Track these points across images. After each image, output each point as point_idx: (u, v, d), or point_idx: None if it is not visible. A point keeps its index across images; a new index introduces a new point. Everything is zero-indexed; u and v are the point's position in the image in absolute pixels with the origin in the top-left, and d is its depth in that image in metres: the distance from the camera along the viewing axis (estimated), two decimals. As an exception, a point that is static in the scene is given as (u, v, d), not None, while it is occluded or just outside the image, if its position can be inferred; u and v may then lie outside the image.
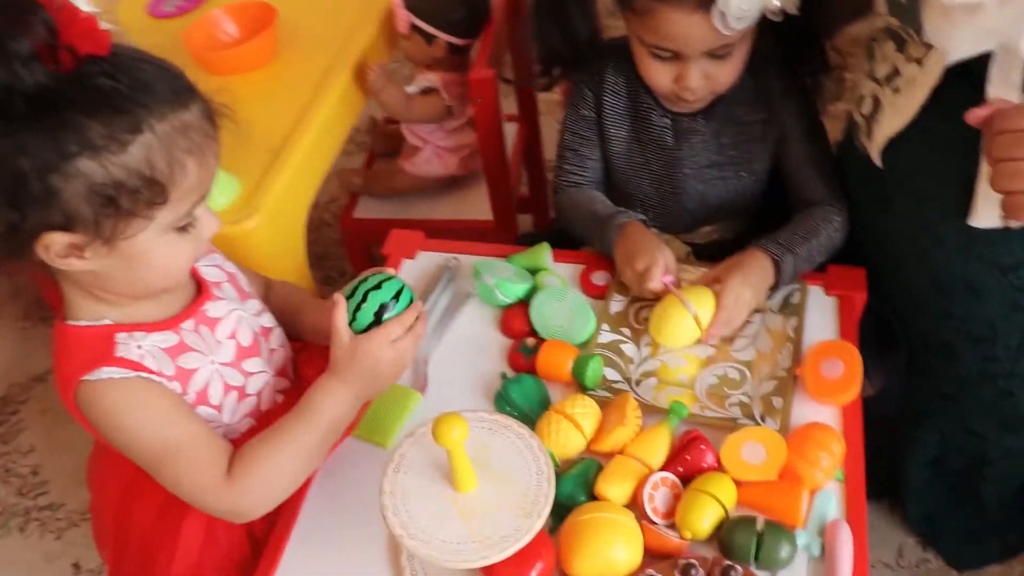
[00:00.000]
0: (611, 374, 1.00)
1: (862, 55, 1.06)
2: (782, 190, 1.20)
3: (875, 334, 1.11)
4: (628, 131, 1.18)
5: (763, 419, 0.93)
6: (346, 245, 1.73)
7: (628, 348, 1.04)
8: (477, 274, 1.09)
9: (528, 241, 1.37)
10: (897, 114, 0.98)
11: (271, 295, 1.04)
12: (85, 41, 0.70)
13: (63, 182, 0.70)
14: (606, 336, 1.05)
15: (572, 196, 1.20)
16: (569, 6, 1.10)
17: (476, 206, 1.70)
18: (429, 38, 1.51)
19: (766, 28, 1.02)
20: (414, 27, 1.50)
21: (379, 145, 1.82)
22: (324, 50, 1.48)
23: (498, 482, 0.75)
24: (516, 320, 1.07)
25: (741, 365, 1.01)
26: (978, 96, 0.85)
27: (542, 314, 1.05)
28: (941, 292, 1.06)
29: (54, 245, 0.74)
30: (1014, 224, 0.91)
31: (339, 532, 0.89)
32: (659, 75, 1.07)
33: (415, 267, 1.17)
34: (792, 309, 1.04)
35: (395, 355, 0.86)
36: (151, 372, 0.83)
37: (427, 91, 1.57)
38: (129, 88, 0.72)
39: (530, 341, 1.03)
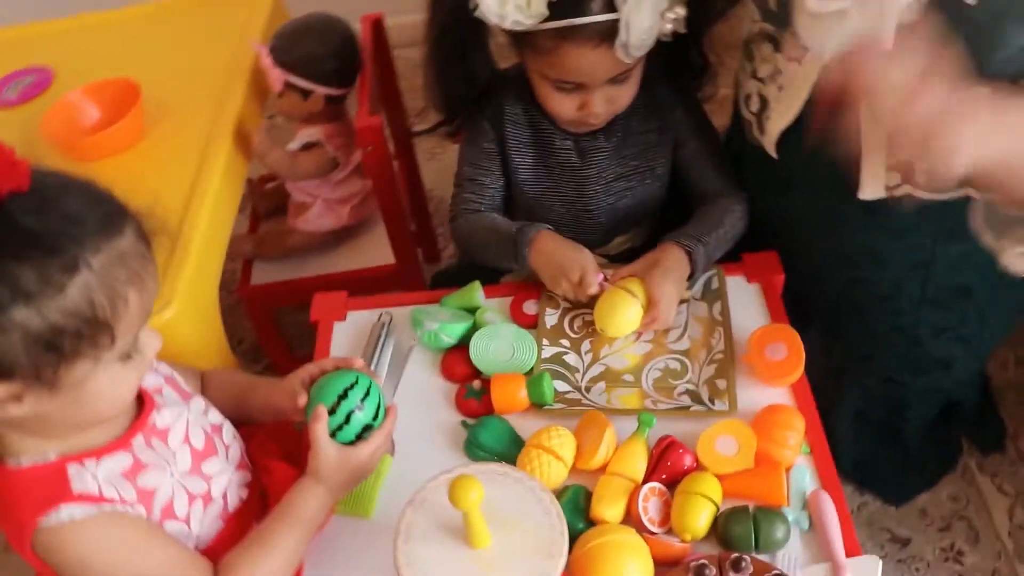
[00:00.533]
0: (560, 386, 1.03)
1: (741, 56, 1.13)
2: (681, 192, 1.26)
3: (789, 309, 1.18)
4: (533, 158, 1.20)
5: (712, 402, 0.99)
6: (249, 313, 1.68)
7: (570, 358, 1.08)
8: (418, 323, 1.09)
9: (444, 280, 1.38)
10: (785, 110, 1.05)
11: (208, 387, 1.01)
12: (5, 179, 0.65)
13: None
14: (548, 351, 1.08)
15: (470, 221, 1.20)
16: (468, 50, 1.11)
17: (373, 252, 1.69)
18: (305, 93, 1.49)
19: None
20: (288, 84, 1.47)
21: (261, 205, 1.78)
22: (196, 121, 1.43)
23: (511, 531, 0.76)
24: (457, 364, 1.08)
25: (680, 355, 1.06)
26: None
27: (484, 353, 1.06)
28: (847, 262, 1.14)
29: None
30: (900, 190, 1.01)
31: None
32: (563, 105, 1.10)
33: (348, 328, 1.15)
34: (714, 294, 1.10)
35: (375, 459, 0.89)
36: (113, 502, 0.77)
37: (309, 146, 1.54)
38: (59, 224, 0.67)
39: (476, 384, 1.04)
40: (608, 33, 0.98)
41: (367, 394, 0.88)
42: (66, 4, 2.01)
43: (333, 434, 0.87)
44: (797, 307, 1.19)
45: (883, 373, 1.29)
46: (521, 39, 1.06)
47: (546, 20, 0.99)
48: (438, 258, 2.00)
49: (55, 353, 0.68)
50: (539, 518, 0.77)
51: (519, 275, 1.19)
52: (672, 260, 1.09)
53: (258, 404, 0.99)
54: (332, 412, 0.86)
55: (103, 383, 0.73)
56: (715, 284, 1.12)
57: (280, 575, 0.84)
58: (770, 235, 1.18)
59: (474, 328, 1.09)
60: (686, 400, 1.00)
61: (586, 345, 1.09)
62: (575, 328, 1.11)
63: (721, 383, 1.00)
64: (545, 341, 1.08)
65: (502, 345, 1.07)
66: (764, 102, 1.09)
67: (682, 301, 1.10)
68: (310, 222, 1.62)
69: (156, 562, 0.79)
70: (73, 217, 0.68)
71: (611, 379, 1.05)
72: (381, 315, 1.14)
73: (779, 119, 1.06)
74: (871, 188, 1.02)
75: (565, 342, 1.09)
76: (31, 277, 0.65)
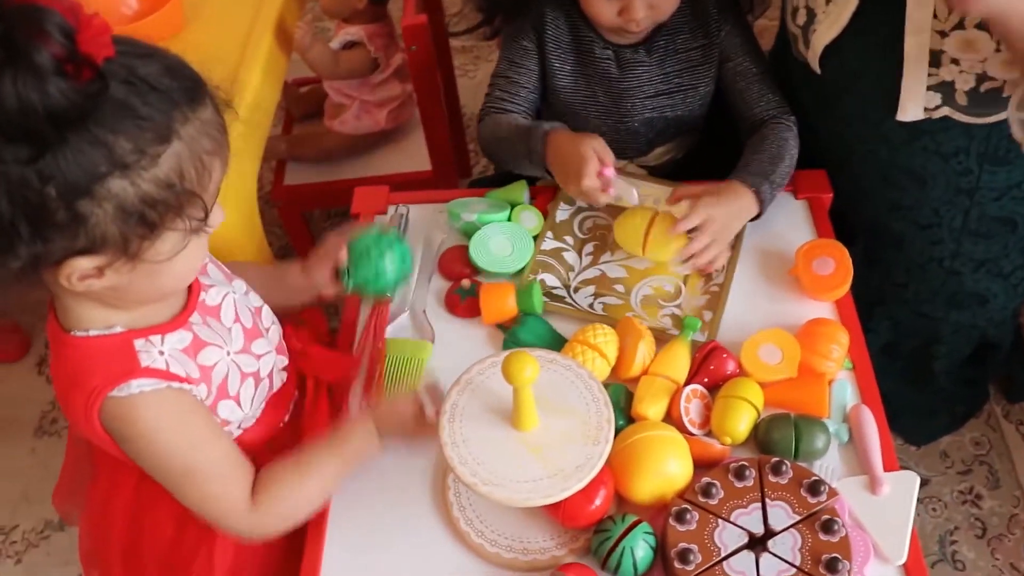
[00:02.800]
0: (550, 280, 1.03)
1: None
2: (726, 108, 1.23)
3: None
4: (572, 65, 1.17)
5: (692, 330, 0.96)
6: (281, 215, 1.67)
7: (569, 255, 1.07)
8: (455, 215, 1.09)
9: (479, 187, 1.36)
10: (832, 23, 1.03)
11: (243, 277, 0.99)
12: (100, 46, 0.61)
13: (92, 207, 0.64)
14: (548, 244, 1.07)
15: (495, 120, 1.16)
16: None
17: (409, 158, 1.68)
18: (349, -10, 1.46)
19: None
20: (332, -21, 1.44)
21: (295, 108, 1.76)
22: (237, 15, 1.39)
23: (559, 415, 0.76)
24: (454, 262, 1.07)
25: (678, 279, 1.04)
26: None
27: (483, 248, 1.05)
28: (889, 184, 1.12)
29: (76, 271, 0.67)
30: (939, 112, 0.99)
31: (379, 495, 0.87)
32: (604, 9, 1.07)
33: (386, 222, 1.14)
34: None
35: (417, 418, 0.85)
36: (180, 379, 0.77)
37: (350, 45, 1.52)
38: (148, 94, 0.65)
39: (466, 283, 1.03)
40: None
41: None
42: None
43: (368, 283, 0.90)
44: (841, 225, 1.17)
45: (915, 305, 1.27)
46: None
47: None
48: (469, 173, 1.99)
49: (145, 225, 0.67)
50: (587, 405, 0.77)
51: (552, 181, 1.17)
52: (732, 195, 1.03)
53: (294, 284, 0.98)
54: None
55: (179, 257, 0.71)
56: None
57: (316, 496, 0.85)
58: (815, 153, 1.16)
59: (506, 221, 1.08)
60: (667, 323, 0.99)
61: (588, 248, 1.08)
62: (584, 229, 1.10)
63: (708, 314, 0.98)
64: (549, 234, 1.08)
65: (502, 243, 1.06)
66: (811, 15, 1.06)
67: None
68: (347, 123, 1.61)
69: (210, 451, 0.80)
70: (161, 86, 0.66)
71: (602, 286, 1.03)
72: (398, 208, 1.13)
73: (825, 32, 1.04)
74: (910, 110, 1.00)
75: (569, 239, 1.08)
76: (126, 147, 0.64)
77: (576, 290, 1.03)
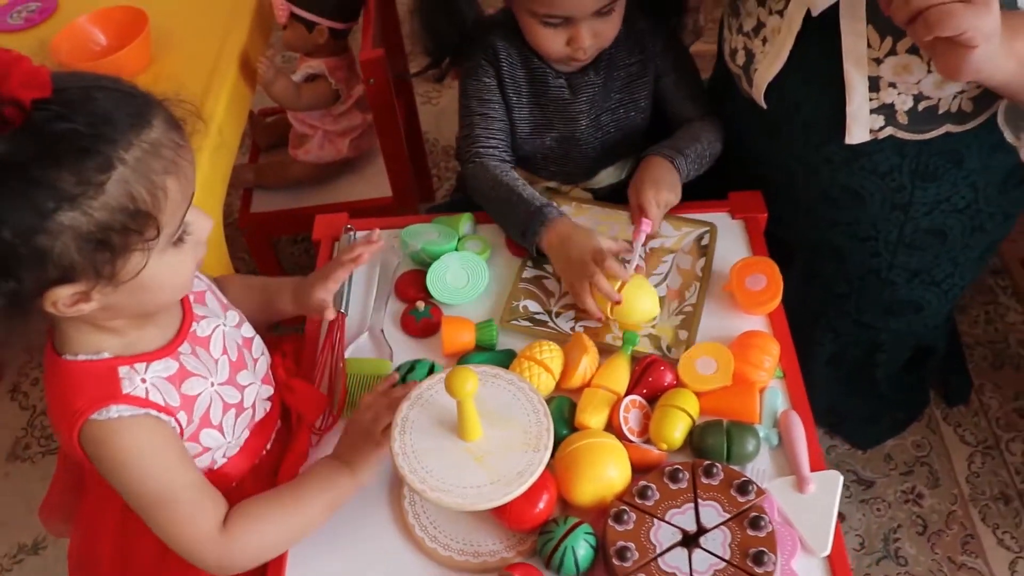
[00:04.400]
0: (532, 306, 1.08)
1: (725, 12, 1.18)
2: (663, 123, 1.30)
3: (771, 251, 1.23)
4: (528, 96, 1.24)
5: (669, 350, 1.03)
6: (248, 242, 1.72)
7: (550, 283, 1.12)
8: (404, 243, 1.14)
9: (437, 212, 1.41)
10: (771, 62, 1.10)
11: (227, 291, 1.02)
12: (28, 88, 0.65)
13: (50, 240, 0.68)
14: (530, 272, 1.12)
15: (490, 170, 1.20)
16: None
17: (371, 185, 1.74)
18: (310, 26, 1.52)
19: None
20: (294, 16, 1.50)
21: (261, 138, 1.81)
22: (202, 50, 1.46)
23: (500, 425, 0.81)
24: (409, 287, 1.12)
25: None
26: (832, 31, 1.00)
27: (439, 279, 1.10)
28: (829, 202, 1.19)
29: (60, 299, 0.72)
30: (884, 133, 1.06)
31: (345, 508, 0.92)
32: (552, 41, 1.13)
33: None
34: (702, 251, 1.14)
35: (376, 424, 0.89)
36: (158, 408, 0.82)
37: (312, 78, 1.58)
38: (87, 125, 0.68)
39: (420, 305, 1.08)
40: None
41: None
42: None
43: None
44: (779, 249, 1.25)
45: (857, 315, 1.34)
46: None
47: None
48: (432, 197, 2.05)
49: (107, 249, 0.70)
50: (527, 415, 0.82)
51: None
52: (658, 171, 1.14)
53: (285, 304, 1.04)
54: None
55: (163, 270, 0.76)
56: (706, 240, 1.15)
57: (292, 540, 0.87)
58: (756, 178, 1.23)
59: (456, 252, 1.14)
60: (645, 343, 1.04)
61: None
62: None
63: (683, 334, 1.04)
64: (530, 263, 1.13)
65: (457, 273, 1.11)
66: (750, 55, 1.13)
67: (670, 251, 1.13)
68: (310, 153, 1.66)
69: (182, 479, 0.83)
70: (101, 116, 0.69)
71: (581, 311, 1.08)
72: (347, 227, 1.19)
73: (766, 71, 1.11)
74: (857, 132, 1.07)
75: (549, 268, 1.13)
76: (70, 180, 0.67)
77: (557, 315, 1.08)
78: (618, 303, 1.02)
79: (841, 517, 1.41)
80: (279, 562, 0.88)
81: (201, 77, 1.40)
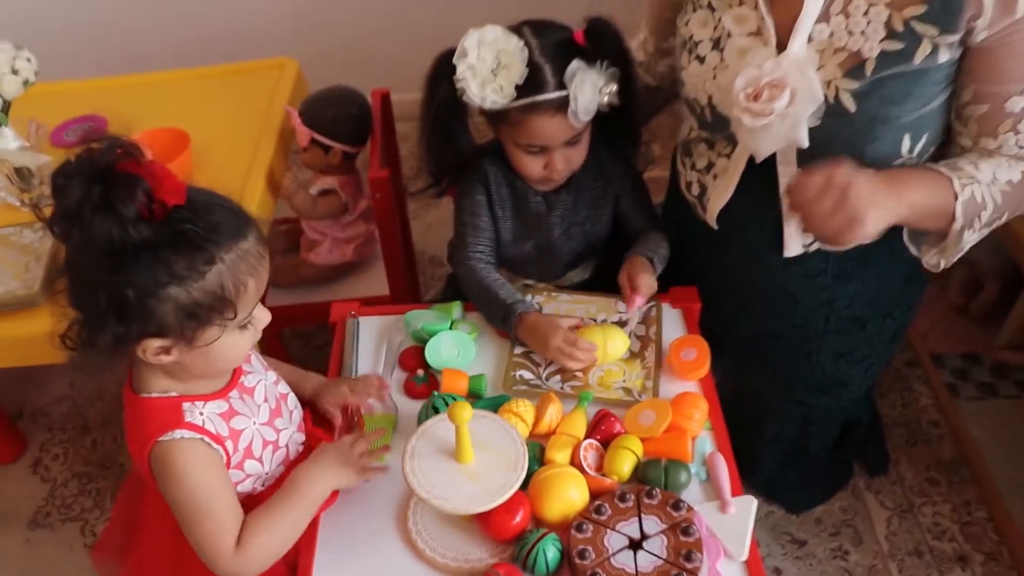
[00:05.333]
0: (526, 374, 1.34)
1: (680, 151, 1.48)
2: (620, 233, 1.58)
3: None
4: (512, 211, 1.51)
5: (640, 395, 1.29)
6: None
7: (537, 356, 1.37)
8: (407, 322, 1.40)
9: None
10: (720, 194, 1.38)
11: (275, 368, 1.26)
12: (171, 196, 0.91)
13: (157, 304, 0.92)
14: (519, 349, 1.38)
15: (476, 273, 1.45)
16: (454, 128, 1.41)
17: (371, 285, 2.00)
18: (326, 149, 1.82)
19: (596, 118, 1.40)
20: (313, 140, 1.80)
21: (276, 242, 2.08)
22: (235, 166, 1.74)
23: (488, 451, 1.06)
24: (411, 358, 1.37)
25: (620, 363, 1.36)
26: (772, 169, 1.28)
27: (436, 351, 1.36)
28: (770, 300, 1.46)
29: (150, 348, 0.97)
30: (813, 247, 1.35)
31: (360, 521, 1.15)
32: (532, 166, 1.42)
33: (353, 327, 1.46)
34: (652, 320, 1.42)
35: (354, 449, 1.12)
36: (211, 435, 1.04)
37: (325, 192, 1.86)
38: (204, 230, 0.93)
39: (420, 372, 1.34)
40: (561, 105, 1.30)
41: None
42: (118, 64, 2.36)
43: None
44: (714, 342, 1.51)
45: (790, 393, 1.60)
46: (496, 116, 1.37)
47: (515, 99, 1.31)
48: (420, 300, 2.31)
49: (194, 320, 0.95)
50: (509, 445, 1.07)
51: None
52: (643, 266, 1.42)
53: (305, 394, 1.28)
54: None
55: (227, 345, 1.00)
56: (654, 312, 1.43)
57: (288, 543, 1.08)
58: (706, 280, 1.48)
59: (449, 329, 1.40)
60: (620, 393, 1.30)
61: None
62: None
63: (648, 383, 1.31)
64: (517, 343, 1.39)
65: (450, 348, 1.37)
66: (703, 187, 1.42)
67: (624, 323, 1.41)
68: (320, 256, 1.93)
69: (222, 498, 1.04)
70: (214, 225, 0.94)
71: (566, 375, 1.35)
72: (351, 313, 1.44)
73: (717, 201, 1.39)
74: (792, 247, 1.36)
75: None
76: (183, 265, 0.92)
77: (548, 378, 1.33)
78: (595, 361, 1.30)
79: (778, 572, 1.65)
80: (306, 565, 1.10)
81: (235, 188, 1.66)
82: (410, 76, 1.60)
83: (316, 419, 1.26)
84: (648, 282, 1.40)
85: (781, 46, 1.20)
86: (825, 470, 1.84)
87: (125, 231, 0.89)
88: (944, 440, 1.96)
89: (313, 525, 1.13)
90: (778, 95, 1.15)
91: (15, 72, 1.57)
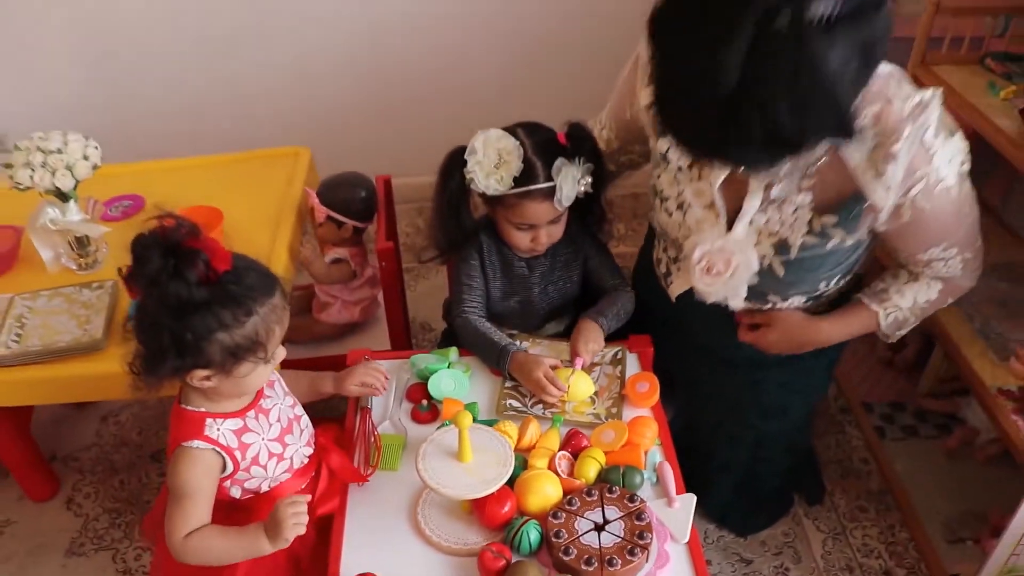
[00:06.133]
0: (515, 403, 1.63)
1: (657, 239, 1.80)
2: (588, 291, 1.89)
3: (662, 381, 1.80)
4: (500, 273, 1.82)
5: (606, 419, 1.58)
6: (279, 381, 2.25)
7: (523, 389, 1.66)
8: (413, 363, 1.70)
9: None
10: (682, 284, 1.69)
11: (285, 379, 1.54)
12: (221, 263, 1.20)
13: (208, 345, 1.22)
14: (509, 383, 1.67)
15: (470, 323, 1.75)
16: (461, 209, 1.73)
17: (374, 342, 2.29)
18: (339, 224, 2.14)
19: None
20: (328, 217, 2.12)
21: (292, 306, 2.35)
22: (261, 239, 2.04)
23: (483, 453, 1.35)
24: (416, 391, 1.67)
25: (592, 395, 1.66)
26: None
27: (437, 386, 1.65)
28: (720, 343, 1.76)
29: (196, 376, 1.27)
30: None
31: (378, 517, 1.42)
32: (520, 240, 1.73)
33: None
34: (619, 361, 1.72)
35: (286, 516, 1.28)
36: (221, 447, 1.32)
37: (337, 260, 2.18)
38: (244, 289, 1.22)
39: (424, 402, 1.64)
40: (548, 193, 1.63)
41: None
42: (146, 148, 2.69)
43: None
44: (669, 380, 1.80)
45: (743, 419, 1.88)
46: (494, 200, 1.68)
47: (512, 188, 1.64)
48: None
49: (234, 357, 1.25)
50: (499, 448, 1.36)
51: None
52: (589, 330, 1.71)
53: (327, 389, 1.60)
54: None
55: (253, 375, 1.30)
56: (620, 355, 1.73)
57: (216, 562, 1.33)
58: (663, 328, 1.79)
59: (447, 368, 1.70)
60: (590, 418, 1.60)
61: None
62: None
63: (614, 410, 1.61)
64: (507, 380, 1.69)
65: (449, 382, 1.66)
66: (669, 271, 1.75)
67: (596, 364, 1.71)
68: (331, 316, 2.23)
69: (197, 501, 1.31)
70: (251, 285, 1.24)
71: (548, 404, 1.64)
72: (365, 357, 1.73)
73: (679, 285, 1.71)
74: (736, 304, 1.65)
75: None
76: (228, 316, 1.21)
77: (532, 406, 1.63)
78: (564, 392, 1.60)
79: (726, 586, 1.92)
80: (336, 551, 1.37)
81: (261, 258, 1.98)
82: (405, 162, 1.89)
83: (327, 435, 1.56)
84: (591, 348, 1.69)
85: (730, 216, 1.50)
86: (771, 497, 2.13)
87: (190, 292, 1.19)
88: (872, 474, 2.25)
89: (339, 520, 1.42)
90: (724, 269, 1.51)
91: (86, 158, 1.88)
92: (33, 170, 1.84)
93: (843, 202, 1.41)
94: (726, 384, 1.86)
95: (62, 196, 1.93)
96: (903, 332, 1.63)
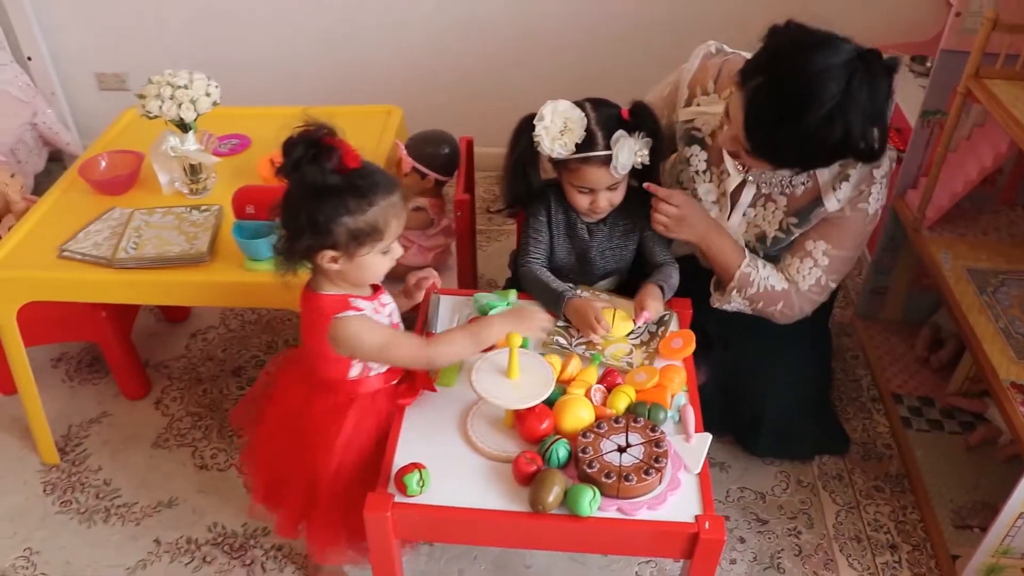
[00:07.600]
0: (562, 340, 1.83)
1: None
2: (640, 258, 2.08)
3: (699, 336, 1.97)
4: (563, 232, 2.01)
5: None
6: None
7: (572, 330, 1.86)
8: (475, 300, 1.91)
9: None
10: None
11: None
12: (352, 161, 1.45)
13: (336, 227, 1.45)
14: (562, 323, 1.87)
15: (534, 271, 1.97)
16: (528, 169, 1.93)
17: (445, 285, 2.51)
18: (423, 175, 2.36)
19: (634, 173, 1.91)
20: (414, 168, 2.34)
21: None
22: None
23: (528, 374, 1.55)
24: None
25: (631, 345, 1.85)
26: None
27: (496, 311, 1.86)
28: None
29: (325, 257, 1.50)
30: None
31: (432, 425, 1.64)
32: (581, 201, 1.92)
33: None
34: (663, 322, 1.90)
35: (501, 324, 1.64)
36: (367, 312, 1.57)
37: (417, 208, 2.40)
38: (370, 184, 1.45)
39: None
40: (606, 161, 1.82)
41: None
42: (262, 98, 2.95)
43: None
44: (704, 337, 1.97)
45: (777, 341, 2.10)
46: (559, 163, 1.88)
47: (574, 153, 1.83)
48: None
49: (356, 240, 1.47)
50: (542, 370, 1.57)
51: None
52: (654, 293, 1.89)
53: (402, 303, 1.81)
54: None
55: (373, 262, 1.52)
56: (667, 318, 1.92)
57: (457, 357, 1.63)
58: (706, 308, 2.01)
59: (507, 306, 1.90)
60: (625, 365, 1.79)
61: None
62: None
63: (647, 361, 1.80)
64: (560, 322, 1.88)
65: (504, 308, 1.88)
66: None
67: (661, 318, 1.90)
68: (407, 258, 2.42)
69: (393, 333, 1.58)
70: (376, 182, 1.45)
71: (589, 346, 1.84)
72: (435, 291, 1.95)
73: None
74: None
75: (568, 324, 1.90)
76: (354, 204, 1.43)
77: (576, 346, 1.82)
78: (609, 331, 1.79)
79: (742, 540, 2.09)
80: (393, 442, 1.59)
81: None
82: (488, 132, 2.08)
83: None
84: (654, 307, 1.87)
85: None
86: (822, 421, 2.35)
87: (324, 177, 1.42)
88: (893, 459, 2.38)
89: (399, 418, 1.64)
90: None
91: (208, 95, 2.14)
92: (163, 101, 2.10)
93: (805, 207, 1.92)
94: (771, 329, 2.07)
95: (183, 127, 2.19)
96: (732, 302, 1.99)
